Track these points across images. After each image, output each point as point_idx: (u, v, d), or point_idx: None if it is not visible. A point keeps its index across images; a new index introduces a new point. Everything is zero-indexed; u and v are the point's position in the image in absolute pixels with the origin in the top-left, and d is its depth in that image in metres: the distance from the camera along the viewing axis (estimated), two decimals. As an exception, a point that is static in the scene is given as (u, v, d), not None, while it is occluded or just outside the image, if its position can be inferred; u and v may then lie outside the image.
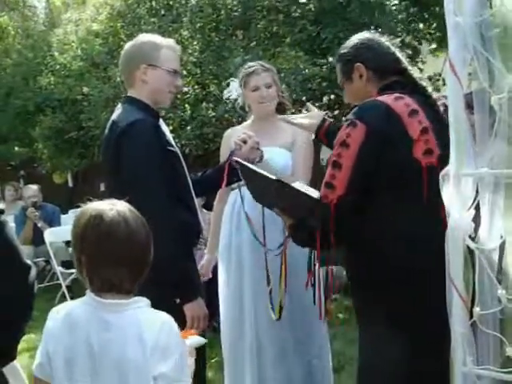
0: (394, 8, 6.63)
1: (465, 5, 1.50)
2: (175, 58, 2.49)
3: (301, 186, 2.11)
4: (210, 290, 4.05)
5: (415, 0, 6.39)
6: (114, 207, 1.59)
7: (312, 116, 2.40)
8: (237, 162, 2.36)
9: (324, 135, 2.29)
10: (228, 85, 3.38)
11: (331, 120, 2.38)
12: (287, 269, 2.63)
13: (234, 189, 2.96)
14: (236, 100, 3.22)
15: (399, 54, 2.12)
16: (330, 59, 6.24)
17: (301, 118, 2.42)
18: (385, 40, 2.14)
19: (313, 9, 6.51)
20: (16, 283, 1.74)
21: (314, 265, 2.21)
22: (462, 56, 1.53)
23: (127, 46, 2.54)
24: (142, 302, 1.62)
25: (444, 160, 1.76)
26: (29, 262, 1.74)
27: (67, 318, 1.61)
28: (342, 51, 2.16)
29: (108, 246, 1.56)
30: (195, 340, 1.87)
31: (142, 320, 1.57)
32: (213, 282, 3.69)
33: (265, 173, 2.14)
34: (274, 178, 2.05)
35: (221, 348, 3.17)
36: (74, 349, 1.58)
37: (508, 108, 1.46)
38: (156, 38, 2.52)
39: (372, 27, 5.57)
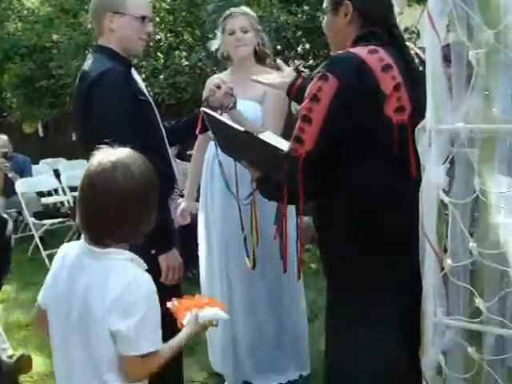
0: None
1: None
2: (143, 3, 2.41)
3: (270, 136, 2.07)
4: (184, 238, 4.07)
5: None
6: (102, 157, 1.58)
7: (284, 75, 2.35)
8: (204, 112, 2.32)
9: (295, 93, 2.24)
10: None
11: (303, 77, 2.31)
12: (257, 219, 2.65)
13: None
14: (217, 49, 3.18)
15: (396, 6, 2.00)
16: (306, 8, 6.13)
17: (272, 78, 2.38)
18: None
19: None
20: None
21: (282, 217, 2.19)
22: (441, 9, 1.51)
23: None
24: (123, 255, 1.61)
25: (415, 117, 1.75)
26: (5, 216, 1.73)
27: (63, 259, 1.68)
28: None
29: (85, 194, 1.59)
30: (209, 313, 1.74)
31: (112, 269, 1.57)
32: (187, 230, 3.71)
33: (232, 123, 2.10)
34: (241, 129, 2.01)
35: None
36: (59, 289, 1.64)
37: (485, 63, 1.45)
38: None
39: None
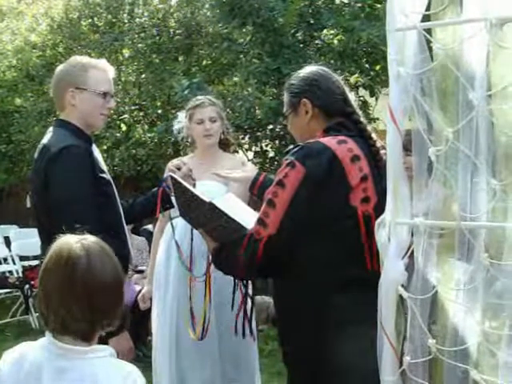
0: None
1: (407, 56, 1.52)
2: (105, 79, 2.42)
3: (234, 201, 2.13)
4: (134, 317, 3.98)
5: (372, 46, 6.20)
6: (78, 243, 1.47)
7: (247, 170, 2.41)
8: (171, 177, 2.32)
9: (257, 190, 2.27)
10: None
11: (266, 174, 2.36)
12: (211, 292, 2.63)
13: (172, 218, 2.93)
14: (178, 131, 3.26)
15: (349, 94, 2.10)
16: (277, 90, 6.15)
17: (236, 173, 2.42)
18: (336, 78, 2.11)
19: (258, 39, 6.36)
20: None
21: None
22: (403, 105, 1.54)
23: (57, 69, 2.47)
24: (105, 352, 1.49)
25: (380, 208, 1.77)
26: None
27: (20, 362, 1.48)
28: (291, 82, 2.12)
29: (65, 283, 1.45)
30: None
31: (100, 373, 1.44)
32: (137, 308, 3.67)
33: (198, 193, 2.13)
34: (206, 200, 2.04)
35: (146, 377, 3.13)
36: None
37: (445, 159, 1.47)
38: (85, 60, 2.46)
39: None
